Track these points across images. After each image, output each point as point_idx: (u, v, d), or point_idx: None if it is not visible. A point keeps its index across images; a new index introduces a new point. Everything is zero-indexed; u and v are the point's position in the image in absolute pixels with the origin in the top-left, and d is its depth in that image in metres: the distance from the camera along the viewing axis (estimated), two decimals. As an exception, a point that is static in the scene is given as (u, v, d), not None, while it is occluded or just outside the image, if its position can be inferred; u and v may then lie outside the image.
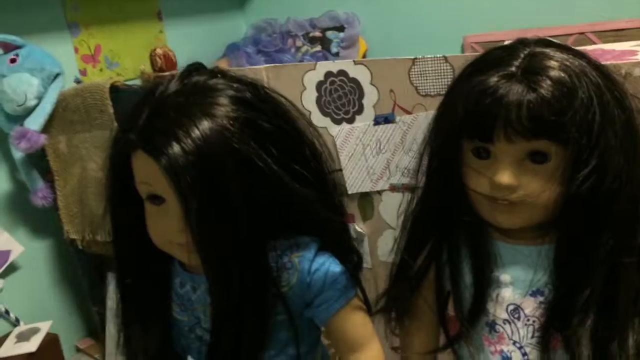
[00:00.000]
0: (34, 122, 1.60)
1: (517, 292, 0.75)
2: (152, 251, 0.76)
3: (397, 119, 1.27)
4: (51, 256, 1.90)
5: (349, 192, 1.35)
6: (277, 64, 1.55)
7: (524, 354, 0.75)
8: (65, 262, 1.92)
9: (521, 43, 0.73)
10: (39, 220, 1.83)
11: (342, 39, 2.38)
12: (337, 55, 2.35)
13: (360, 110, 1.31)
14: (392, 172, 1.32)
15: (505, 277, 0.76)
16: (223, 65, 2.08)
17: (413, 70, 1.21)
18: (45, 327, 1.73)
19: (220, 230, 0.67)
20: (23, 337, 1.70)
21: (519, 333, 0.75)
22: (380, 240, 1.39)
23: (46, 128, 1.64)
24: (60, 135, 1.67)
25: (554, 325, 0.72)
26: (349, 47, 2.38)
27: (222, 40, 2.43)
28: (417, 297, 0.84)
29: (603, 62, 0.72)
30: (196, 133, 0.65)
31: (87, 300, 1.91)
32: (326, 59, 2.28)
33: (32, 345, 1.64)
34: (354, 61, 1.29)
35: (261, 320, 0.73)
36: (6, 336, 1.71)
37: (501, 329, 0.77)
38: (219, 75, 0.73)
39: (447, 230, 0.79)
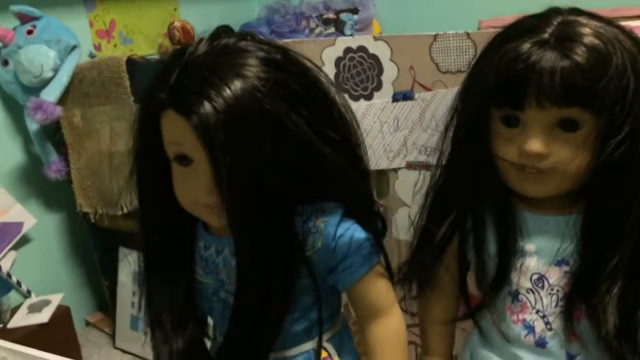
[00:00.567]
0: (50, 94, 1.60)
1: (541, 262, 0.75)
2: (177, 213, 0.76)
3: (416, 95, 1.26)
4: (63, 229, 1.91)
5: (365, 169, 1.34)
6: (295, 39, 1.54)
7: (547, 323, 0.75)
8: (77, 235, 1.93)
9: (554, 11, 0.73)
10: (52, 193, 1.84)
11: (356, 21, 2.38)
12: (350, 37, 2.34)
13: (378, 87, 1.30)
14: (409, 149, 1.31)
15: (530, 246, 0.76)
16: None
17: (434, 46, 1.21)
18: (56, 299, 1.74)
19: (250, 190, 0.67)
20: (34, 309, 1.71)
21: (542, 302, 0.75)
22: (395, 217, 1.38)
23: (61, 101, 1.64)
24: (75, 108, 1.67)
25: (579, 295, 0.72)
26: (362, 30, 2.37)
27: (235, 20, 2.43)
28: (439, 266, 0.84)
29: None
30: (227, 92, 0.65)
31: (98, 275, 1.92)
32: (340, 40, 2.27)
33: (44, 316, 1.66)
34: (374, 37, 1.28)
35: (286, 283, 0.73)
36: (17, 307, 1.72)
37: (524, 298, 0.77)
38: (248, 38, 0.73)
39: (472, 200, 0.79)
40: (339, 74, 1.32)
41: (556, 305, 0.75)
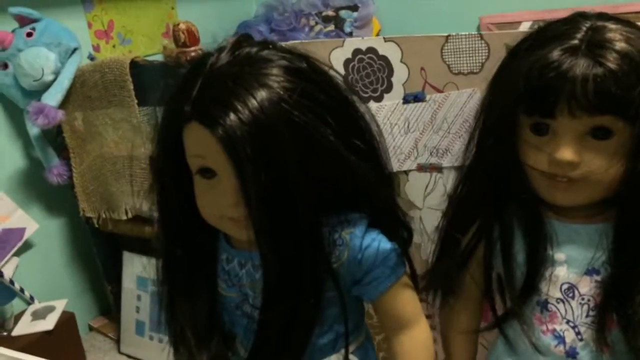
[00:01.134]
0: (51, 98, 1.57)
1: (572, 271, 0.74)
2: (198, 226, 0.74)
3: (428, 97, 1.25)
4: (66, 234, 1.89)
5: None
6: (303, 41, 1.52)
7: (578, 333, 0.74)
8: (80, 240, 1.91)
9: (581, 16, 0.71)
10: (54, 198, 1.81)
11: (356, 19, 2.36)
12: (350, 35, 2.32)
13: (388, 89, 1.29)
14: (420, 151, 1.30)
15: (559, 255, 0.75)
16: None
17: (446, 47, 1.19)
18: (60, 305, 1.72)
19: (276, 203, 0.65)
20: (38, 315, 1.69)
21: (573, 312, 0.75)
22: (406, 220, 1.37)
23: (62, 104, 1.61)
24: (76, 111, 1.64)
25: (611, 305, 0.71)
26: (362, 27, 2.35)
27: (232, 18, 2.41)
28: (464, 275, 0.83)
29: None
30: (253, 103, 0.63)
31: (101, 279, 1.90)
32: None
33: (48, 324, 1.64)
34: (384, 38, 1.26)
35: (314, 297, 0.71)
36: (21, 314, 1.69)
37: (554, 308, 0.76)
38: (270, 46, 0.71)
39: (499, 208, 0.78)
40: (348, 76, 1.31)
41: (587, 316, 0.74)
